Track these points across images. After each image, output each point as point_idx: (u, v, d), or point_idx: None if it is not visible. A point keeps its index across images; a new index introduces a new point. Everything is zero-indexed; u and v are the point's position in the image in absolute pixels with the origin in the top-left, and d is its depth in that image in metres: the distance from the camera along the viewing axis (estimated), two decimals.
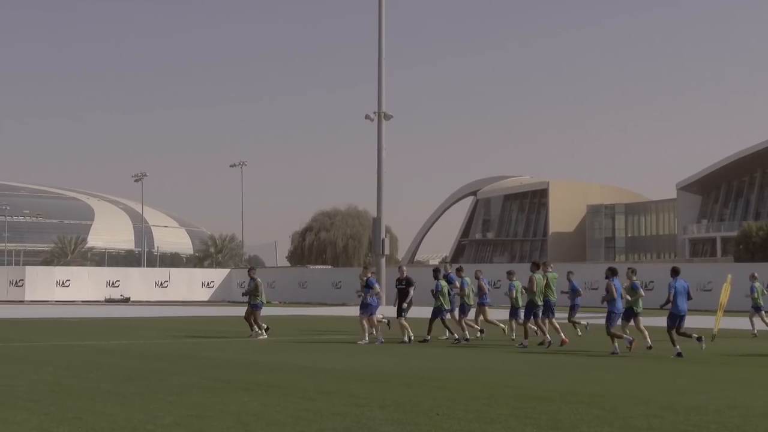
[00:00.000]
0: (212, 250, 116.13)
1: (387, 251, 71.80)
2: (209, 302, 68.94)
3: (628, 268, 22.03)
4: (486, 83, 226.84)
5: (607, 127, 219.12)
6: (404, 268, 25.83)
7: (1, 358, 19.14)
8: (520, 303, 24.36)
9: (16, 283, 70.21)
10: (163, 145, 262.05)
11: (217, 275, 77.28)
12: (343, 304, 60.55)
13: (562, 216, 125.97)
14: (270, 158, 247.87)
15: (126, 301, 69.72)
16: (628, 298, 21.23)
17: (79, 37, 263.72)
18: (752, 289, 28.24)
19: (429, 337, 24.77)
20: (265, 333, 26.11)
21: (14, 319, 38.07)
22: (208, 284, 74.32)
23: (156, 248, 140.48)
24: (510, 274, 25.11)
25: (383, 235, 70.50)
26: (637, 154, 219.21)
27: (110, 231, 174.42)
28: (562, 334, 23.20)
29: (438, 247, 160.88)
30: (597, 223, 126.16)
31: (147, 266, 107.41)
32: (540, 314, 23.38)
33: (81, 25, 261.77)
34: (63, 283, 70.96)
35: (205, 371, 16.47)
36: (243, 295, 28.21)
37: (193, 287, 72.48)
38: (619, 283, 21.35)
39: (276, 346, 23.39)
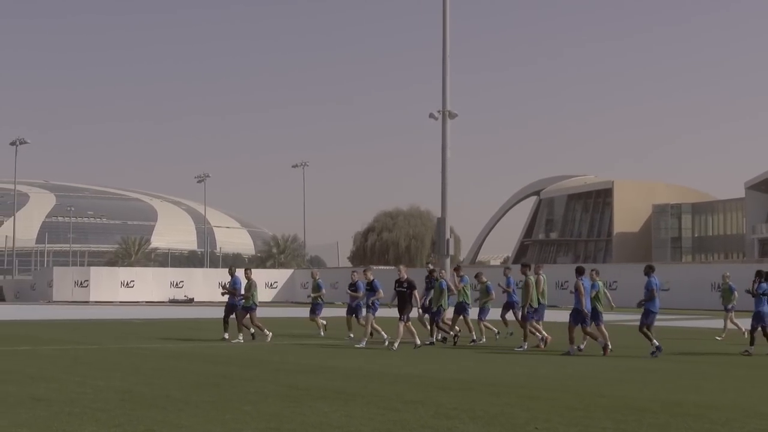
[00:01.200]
0: (275, 250, 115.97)
1: (452, 252, 70.80)
2: (273, 303, 68.48)
3: (592, 270, 22.32)
4: (550, 83, 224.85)
5: (671, 126, 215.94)
6: (403, 268, 23.93)
7: (67, 361, 18.56)
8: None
9: (81, 283, 70.39)
10: (226, 147, 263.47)
11: (281, 276, 76.90)
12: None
13: (627, 216, 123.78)
14: (332, 159, 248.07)
15: (190, 301, 69.58)
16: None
17: (148, 41, 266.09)
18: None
19: (453, 333, 24.70)
20: (247, 336, 25.14)
21: (79, 321, 37.76)
22: (271, 285, 73.95)
23: (218, 249, 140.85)
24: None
25: (448, 235, 69.48)
26: (703, 153, 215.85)
27: (173, 232, 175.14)
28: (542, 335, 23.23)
29: (500, 248, 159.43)
30: (663, 223, 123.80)
31: (209, 267, 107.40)
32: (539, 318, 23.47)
33: (148, 29, 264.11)
34: (127, 284, 71.04)
35: (278, 377, 15.70)
36: (223, 294, 26.34)
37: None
38: (588, 283, 21.57)
39: (348, 350, 22.59)
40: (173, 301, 71.50)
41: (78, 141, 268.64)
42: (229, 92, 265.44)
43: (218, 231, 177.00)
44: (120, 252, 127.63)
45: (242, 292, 25.42)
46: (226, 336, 25.33)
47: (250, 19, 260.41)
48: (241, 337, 24.99)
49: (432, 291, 24.95)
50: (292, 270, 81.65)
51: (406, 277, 23.13)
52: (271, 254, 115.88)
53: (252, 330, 25.43)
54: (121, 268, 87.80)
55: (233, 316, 25.66)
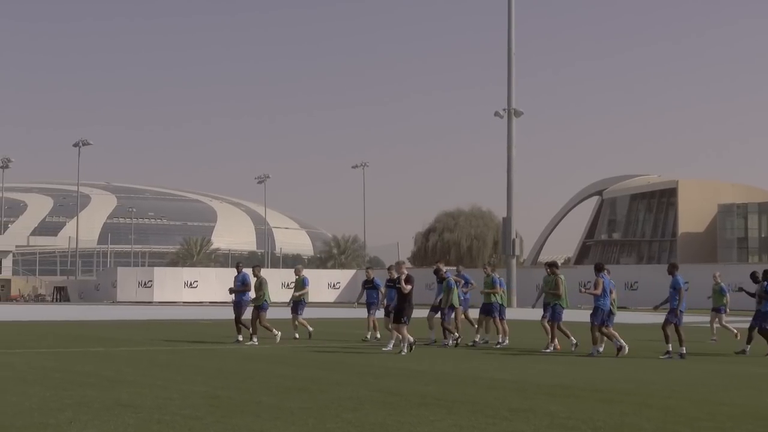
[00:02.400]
0: (335, 251, 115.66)
1: (517, 252, 69.80)
2: (336, 303, 67.86)
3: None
4: (613, 82, 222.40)
5: (736, 125, 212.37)
6: (403, 266, 22.03)
7: (143, 363, 17.94)
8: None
9: (145, 284, 70.40)
10: (286, 148, 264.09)
11: (343, 276, 76.36)
12: (472, 306, 58.55)
13: (692, 216, 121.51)
14: (392, 159, 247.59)
15: None
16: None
17: (208, 43, 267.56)
18: None
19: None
20: (255, 339, 23.84)
21: (147, 321, 37.37)
22: (334, 285, 73.44)
23: (279, 249, 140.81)
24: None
25: (513, 235, 68.53)
26: None
27: (232, 233, 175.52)
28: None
29: (562, 248, 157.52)
30: (729, 223, 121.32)
31: (270, 268, 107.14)
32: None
33: (208, 31, 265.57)
34: (191, 284, 70.92)
35: (367, 381, 14.90)
36: (231, 292, 25.06)
37: (319, 288, 71.53)
38: (608, 280, 20.98)
39: (427, 351, 21.76)
40: (266, 301, 71.25)
41: (138, 142, 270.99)
42: (289, 93, 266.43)
43: (277, 232, 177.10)
44: (182, 252, 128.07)
45: (251, 289, 24.38)
46: (240, 338, 24.22)
47: (309, 19, 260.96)
48: (255, 339, 23.86)
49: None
50: (354, 271, 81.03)
51: (406, 273, 21.40)
52: (331, 255, 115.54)
53: (250, 330, 24.10)
54: (184, 268, 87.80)
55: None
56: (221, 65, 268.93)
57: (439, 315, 23.90)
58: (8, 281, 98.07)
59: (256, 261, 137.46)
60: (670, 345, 20.37)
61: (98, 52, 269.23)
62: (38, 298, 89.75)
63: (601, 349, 20.83)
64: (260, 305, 24.02)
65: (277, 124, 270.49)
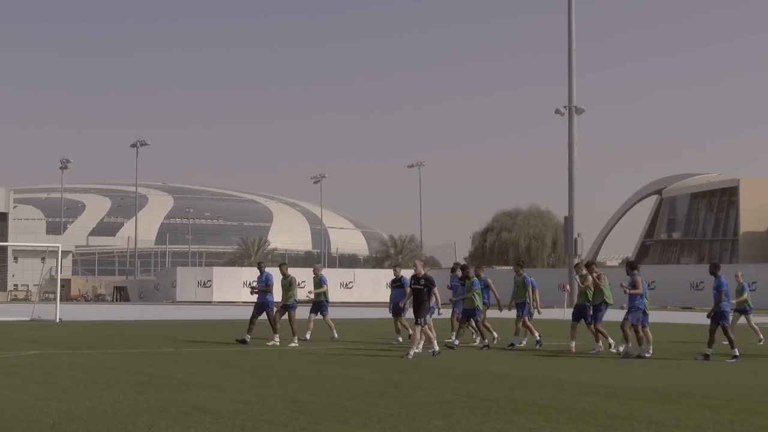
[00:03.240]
0: (392, 251, 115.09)
1: (579, 251, 68.68)
2: None
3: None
4: (672, 80, 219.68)
5: None
6: (419, 263, 20.70)
7: (215, 365, 17.45)
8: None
9: (204, 284, 70.34)
10: (341, 148, 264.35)
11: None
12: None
13: (755, 215, 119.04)
14: (448, 158, 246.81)
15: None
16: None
17: (264, 44, 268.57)
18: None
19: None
20: (277, 339, 22.97)
21: (210, 321, 37.04)
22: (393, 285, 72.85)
23: (335, 249, 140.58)
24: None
25: (575, 234, 67.39)
26: None
27: (288, 233, 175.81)
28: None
29: (620, 248, 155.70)
30: None
31: (326, 268, 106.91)
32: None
33: (262, 31, 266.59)
34: (250, 284, 70.70)
35: (449, 384, 14.25)
36: (252, 292, 24.29)
37: (377, 288, 71.02)
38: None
39: (501, 354, 21.08)
40: (297, 301, 70.90)
41: (194, 143, 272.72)
42: (345, 93, 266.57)
43: (332, 232, 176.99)
44: (239, 252, 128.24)
45: (273, 289, 23.42)
46: (248, 339, 23.18)
47: (365, 19, 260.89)
48: (277, 339, 23.06)
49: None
50: (413, 271, 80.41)
51: (423, 272, 20.26)
52: (388, 255, 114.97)
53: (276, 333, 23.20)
54: (243, 268, 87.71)
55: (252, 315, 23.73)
56: (277, 66, 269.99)
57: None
58: (68, 281, 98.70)
59: (312, 261, 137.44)
60: (736, 349, 19.66)
61: (155, 52, 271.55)
62: (98, 298, 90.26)
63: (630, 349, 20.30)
64: (289, 305, 23.27)
65: (333, 124, 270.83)
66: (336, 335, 24.80)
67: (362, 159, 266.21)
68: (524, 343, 23.17)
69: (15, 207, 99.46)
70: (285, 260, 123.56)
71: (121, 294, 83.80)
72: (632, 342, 20.24)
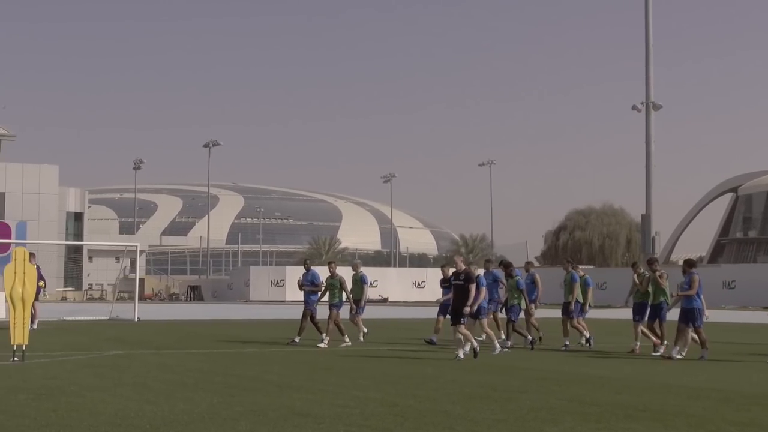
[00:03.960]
0: (463, 250, 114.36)
1: (657, 249, 67.55)
2: None
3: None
4: (751, 77, 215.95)
5: None
6: (459, 259, 19.63)
7: (304, 366, 17.06)
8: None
9: (278, 283, 70.35)
10: (411, 146, 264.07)
11: None
12: (609, 306, 56.92)
13: None
14: (519, 156, 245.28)
15: (384, 301, 68.50)
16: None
17: (329, 44, 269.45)
18: None
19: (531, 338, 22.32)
20: (325, 339, 22.16)
21: (289, 321, 36.72)
22: None
23: (406, 249, 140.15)
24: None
25: (653, 233, 66.30)
26: None
27: (357, 232, 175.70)
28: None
29: (695, 246, 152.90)
30: None
31: (396, 267, 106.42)
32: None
33: (327, 30, 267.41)
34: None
35: (550, 388, 13.67)
36: (301, 288, 23.18)
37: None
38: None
39: (580, 354, 20.42)
40: (368, 301, 70.55)
41: (264, 143, 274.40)
42: (413, 91, 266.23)
43: (401, 231, 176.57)
44: (310, 252, 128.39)
45: (322, 287, 22.84)
46: (297, 340, 22.65)
47: (432, 15, 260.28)
48: (347, 339, 22.42)
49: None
50: (484, 270, 79.67)
51: (464, 268, 19.13)
52: (459, 254, 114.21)
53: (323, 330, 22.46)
54: (315, 267, 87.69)
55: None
56: (345, 64, 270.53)
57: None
58: (142, 280, 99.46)
59: (382, 260, 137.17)
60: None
61: (225, 51, 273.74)
62: (172, 297, 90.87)
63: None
64: (334, 303, 22.50)
65: (403, 123, 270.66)
66: (348, 342, 22.62)
67: (432, 158, 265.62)
68: (568, 344, 22.11)
69: (89, 207, 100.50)
70: (356, 259, 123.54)
71: (194, 293, 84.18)
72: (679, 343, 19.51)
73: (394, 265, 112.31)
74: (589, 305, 22.64)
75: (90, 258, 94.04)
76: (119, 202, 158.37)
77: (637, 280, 20.92)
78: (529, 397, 12.50)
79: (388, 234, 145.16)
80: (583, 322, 22.61)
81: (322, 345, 21.94)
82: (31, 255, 18.73)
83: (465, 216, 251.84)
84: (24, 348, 17.55)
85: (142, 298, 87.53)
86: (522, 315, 22.59)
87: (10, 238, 73.03)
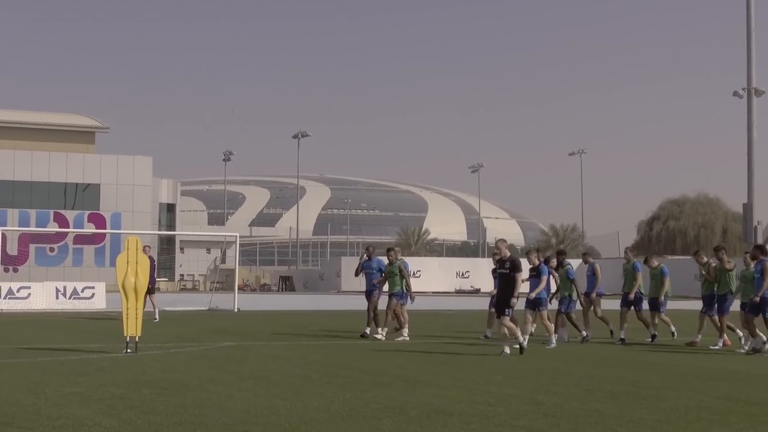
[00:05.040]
0: (553, 240, 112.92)
1: (759, 239, 65.53)
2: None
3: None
4: None
5: None
6: (503, 244, 17.78)
7: (424, 359, 16.38)
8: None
9: None
10: (499, 137, 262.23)
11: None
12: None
13: None
14: (610, 146, 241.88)
15: (476, 292, 67.73)
16: None
17: (413, 38, 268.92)
18: None
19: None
20: (381, 333, 21.06)
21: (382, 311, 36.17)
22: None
23: (493, 239, 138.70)
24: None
25: (755, 222, 64.31)
26: None
27: (443, 223, 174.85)
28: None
29: None
30: None
31: (484, 258, 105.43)
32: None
33: (412, 26, 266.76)
34: (413, 274, 69.93)
35: (696, 385, 12.81)
36: (358, 274, 22.35)
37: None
38: None
39: (710, 352, 19.40)
40: (459, 292, 69.92)
41: (350, 134, 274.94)
42: (503, 83, 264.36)
43: (487, 222, 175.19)
44: (400, 242, 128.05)
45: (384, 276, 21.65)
46: (368, 331, 21.57)
47: (517, 5, 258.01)
48: (406, 333, 21.16)
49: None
50: (579, 261, 78.37)
51: (509, 254, 17.42)
52: (549, 244, 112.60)
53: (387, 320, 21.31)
54: (406, 258, 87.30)
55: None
56: (432, 59, 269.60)
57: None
58: (233, 271, 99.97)
59: (468, 251, 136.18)
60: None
61: (315, 44, 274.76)
62: (264, 288, 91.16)
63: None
64: (396, 293, 21.32)
65: (489, 114, 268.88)
66: (382, 336, 21.18)
67: (520, 148, 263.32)
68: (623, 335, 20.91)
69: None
70: (443, 250, 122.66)
71: (286, 284, 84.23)
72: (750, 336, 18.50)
73: (484, 255, 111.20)
74: (666, 296, 21.32)
75: (182, 249, 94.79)
76: (207, 193, 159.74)
77: (703, 271, 19.87)
78: (678, 395, 11.65)
79: (474, 224, 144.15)
80: (664, 317, 21.34)
81: (378, 336, 21.01)
82: (146, 247, 18.42)
83: (554, 206, 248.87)
84: (137, 339, 17.21)
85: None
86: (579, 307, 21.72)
87: (105, 229, 73.92)
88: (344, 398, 11.11)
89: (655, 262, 21.48)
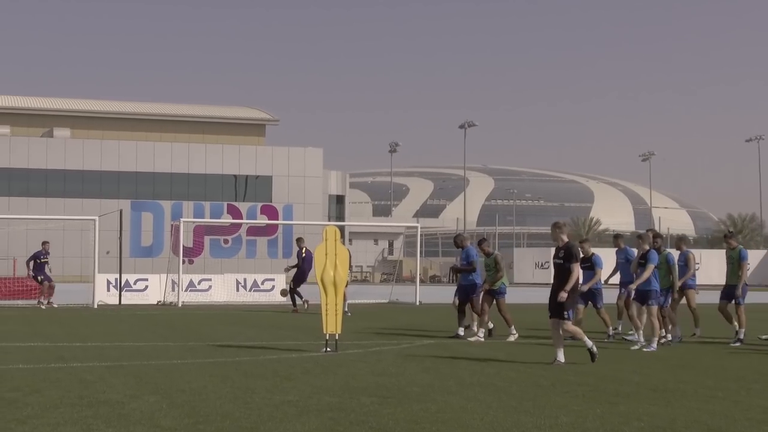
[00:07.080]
0: (731, 230, 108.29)
1: None
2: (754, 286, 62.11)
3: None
4: None
5: None
6: (563, 232, 15.00)
7: (657, 363, 14.77)
8: None
9: (542, 265, 68.23)
10: (671, 126, 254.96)
11: (753, 256, 70.21)
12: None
13: None
14: None
15: None
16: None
17: (588, 23, 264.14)
18: None
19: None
20: (460, 331, 19.40)
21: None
22: None
23: (667, 229, 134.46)
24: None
25: None
26: None
27: (609, 213, 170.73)
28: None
29: None
30: None
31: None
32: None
33: (588, 9, 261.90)
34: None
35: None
36: (456, 271, 20.62)
37: (721, 269, 65.82)
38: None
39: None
40: (504, 284, 67.45)
41: (513, 124, 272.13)
42: (674, 67, 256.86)
43: (655, 212, 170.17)
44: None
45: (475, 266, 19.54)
46: (461, 332, 19.53)
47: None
48: (481, 334, 19.12)
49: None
50: (765, 251, 74.44)
51: (566, 241, 14.74)
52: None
53: (486, 321, 19.46)
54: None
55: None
56: (597, 44, 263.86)
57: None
58: (399, 262, 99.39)
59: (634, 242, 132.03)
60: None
61: (477, 34, 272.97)
62: (433, 279, 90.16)
63: None
64: (497, 290, 19.44)
65: (663, 101, 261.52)
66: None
67: (692, 135, 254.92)
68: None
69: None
70: (617, 238, 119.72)
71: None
72: None
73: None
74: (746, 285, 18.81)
75: (350, 240, 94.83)
76: (372, 185, 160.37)
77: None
78: (748, 396, 9.75)
79: (642, 215, 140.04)
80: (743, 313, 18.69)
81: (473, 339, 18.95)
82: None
83: (728, 195, 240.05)
84: (337, 337, 16.12)
85: (401, 279, 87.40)
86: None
87: (278, 220, 74.25)
88: (596, 413, 9.63)
89: (734, 242, 19.03)
